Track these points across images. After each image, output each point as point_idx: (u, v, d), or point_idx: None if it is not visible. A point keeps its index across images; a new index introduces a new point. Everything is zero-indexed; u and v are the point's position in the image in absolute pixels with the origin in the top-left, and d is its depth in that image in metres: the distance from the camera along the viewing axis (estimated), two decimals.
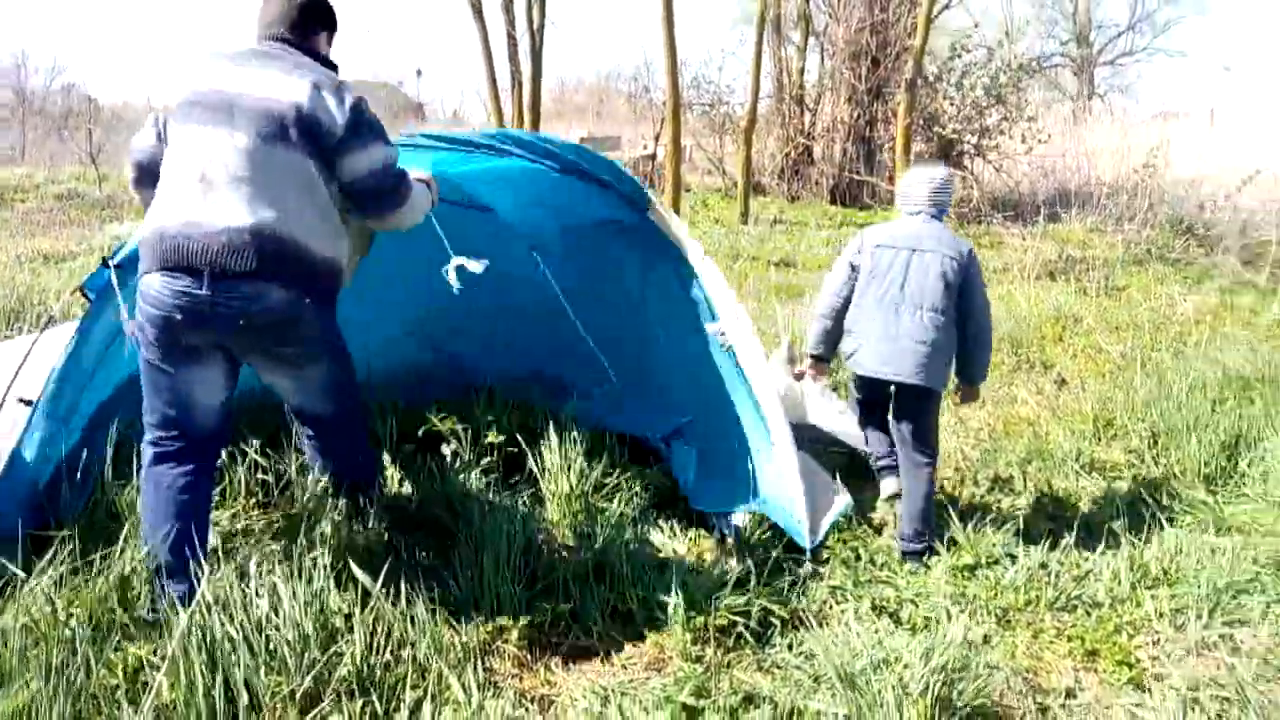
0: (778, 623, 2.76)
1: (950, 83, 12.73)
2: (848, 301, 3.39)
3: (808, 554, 3.09)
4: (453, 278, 2.84)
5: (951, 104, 12.61)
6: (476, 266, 2.85)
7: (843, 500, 3.44)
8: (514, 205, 4.00)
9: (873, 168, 13.70)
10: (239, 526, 3.05)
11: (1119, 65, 33.89)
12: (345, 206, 2.60)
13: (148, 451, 2.52)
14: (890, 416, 3.44)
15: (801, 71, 14.67)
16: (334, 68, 2.63)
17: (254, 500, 3.22)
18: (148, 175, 2.55)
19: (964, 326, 3.31)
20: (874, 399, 3.54)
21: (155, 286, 2.35)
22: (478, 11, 13.88)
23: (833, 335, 3.46)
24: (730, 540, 3.24)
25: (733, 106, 14.83)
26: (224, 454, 3.05)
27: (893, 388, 3.36)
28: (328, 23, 2.70)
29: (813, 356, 3.54)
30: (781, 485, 3.25)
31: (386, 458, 3.55)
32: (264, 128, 2.37)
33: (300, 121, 2.40)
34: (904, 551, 3.24)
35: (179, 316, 2.34)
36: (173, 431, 2.50)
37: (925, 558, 3.20)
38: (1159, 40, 32.92)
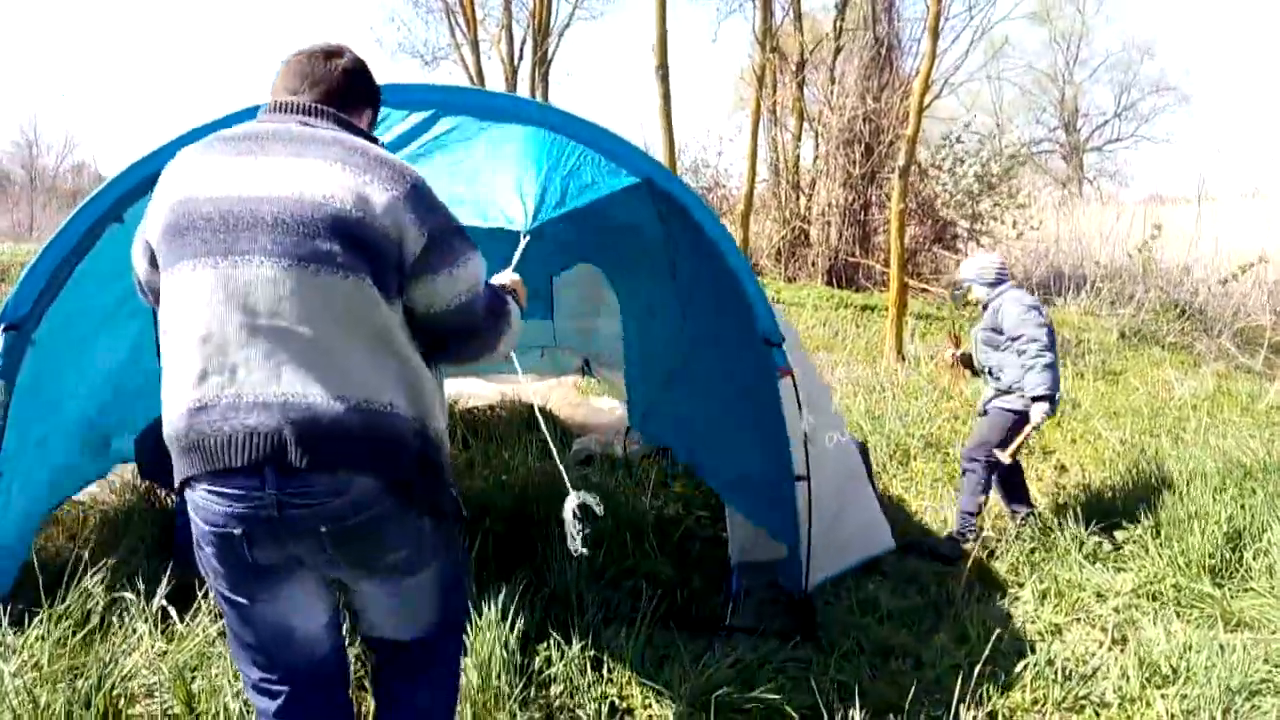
0: None
1: (944, 169, 13.06)
2: None
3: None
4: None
5: (945, 189, 12.90)
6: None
7: (866, 547, 3.63)
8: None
9: (868, 250, 13.93)
10: None
11: (1107, 151, 34.79)
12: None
13: (259, 702, 1.85)
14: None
15: (797, 157, 15.04)
16: None
17: None
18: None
19: None
20: None
21: (201, 498, 1.65)
22: None
23: None
24: (734, 618, 3.23)
25: (730, 190, 15.16)
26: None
27: None
28: (373, 99, 1.95)
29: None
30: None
31: None
32: (303, 247, 1.60)
33: (360, 231, 1.63)
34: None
35: (239, 531, 1.63)
36: (274, 674, 1.82)
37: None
38: (1144, 128, 33.84)
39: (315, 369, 1.61)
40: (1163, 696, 2.85)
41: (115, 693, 2.48)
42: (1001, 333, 4.24)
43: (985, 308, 4.38)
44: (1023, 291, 4.36)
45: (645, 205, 3.29)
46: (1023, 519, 4.27)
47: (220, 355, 1.60)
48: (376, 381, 1.66)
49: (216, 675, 2.54)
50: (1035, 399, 4.08)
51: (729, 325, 3.36)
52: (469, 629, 2.50)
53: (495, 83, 18.03)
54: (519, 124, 2.92)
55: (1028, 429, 4.17)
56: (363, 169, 1.66)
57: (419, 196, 1.70)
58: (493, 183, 2.75)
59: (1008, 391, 4.24)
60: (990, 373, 4.36)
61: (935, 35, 9.20)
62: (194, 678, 2.57)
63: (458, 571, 1.94)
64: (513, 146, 2.86)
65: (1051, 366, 4.07)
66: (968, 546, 4.04)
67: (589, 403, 6.28)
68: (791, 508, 3.21)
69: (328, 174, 1.64)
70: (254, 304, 1.59)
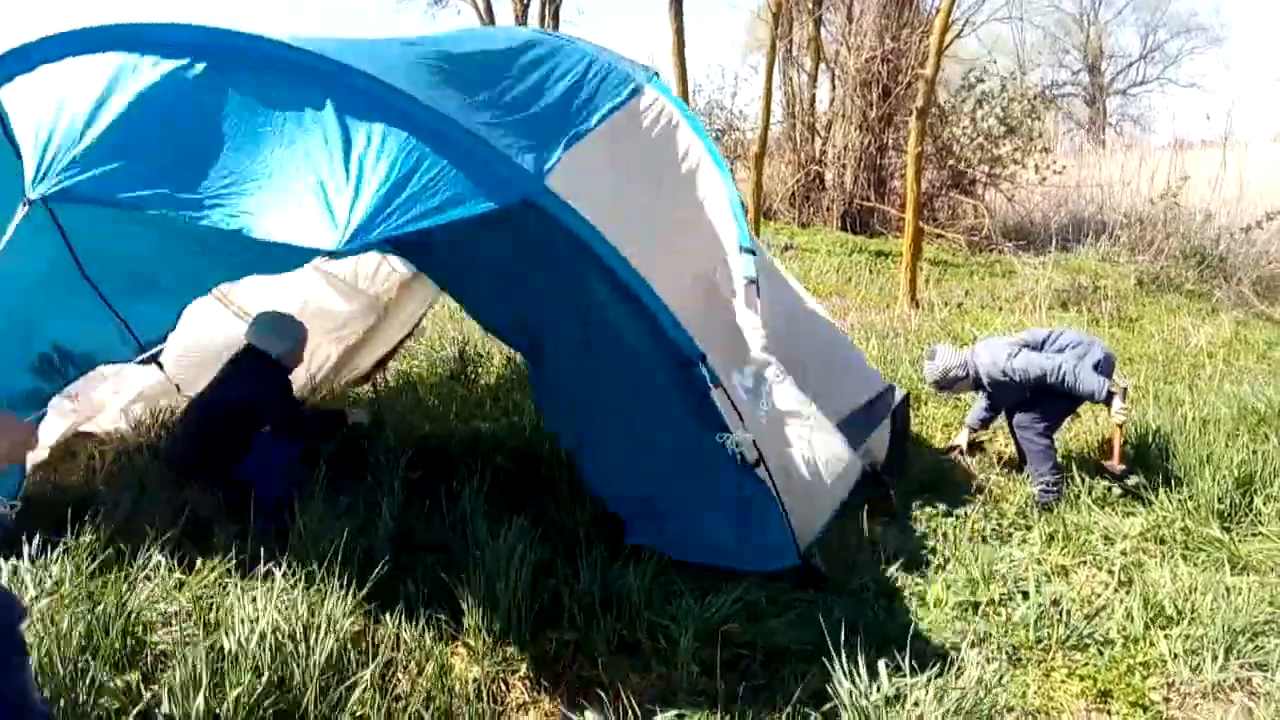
0: (789, 655, 2.74)
1: (963, 112, 12.78)
2: None
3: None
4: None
5: (964, 133, 12.65)
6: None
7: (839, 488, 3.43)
8: None
9: (883, 195, 13.72)
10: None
11: (1130, 95, 33.94)
12: None
13: None
14: None
15: (813, 99, 14.74)
16: None
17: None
18: None
19: None
20: None
21: None
22: None
23: None
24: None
25: (745, 132, 14.90)
26: None
27: None
28: None
29: None
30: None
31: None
32: None
33: None
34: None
35: None
36: None
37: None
38: (1170, 70, 32.94)
39: None
40: (1166, 636, 2.87)
41: (135, 620, 2.54)
42: (1016, 382, 4.07)
43: (978, 387, 4.32)
44: (986, 349, 4.19)
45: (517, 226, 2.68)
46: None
47: None
48: None
49: (233, 606, 2.59)
50: (1108, 398, 3.93)
51: (635, 359, 2.96)
52: None
53: (505, 22, 17.69)
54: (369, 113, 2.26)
55: (1118, 431, 4.09)
56: None
57: None
58: (298, 185, 2.17)
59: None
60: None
61: None
62: (212, 606, 2.63)
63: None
64: (339, 139, 2.22)
65: (1083, 364, 3.96)
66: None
67: None
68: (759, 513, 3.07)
69: None
70: None
